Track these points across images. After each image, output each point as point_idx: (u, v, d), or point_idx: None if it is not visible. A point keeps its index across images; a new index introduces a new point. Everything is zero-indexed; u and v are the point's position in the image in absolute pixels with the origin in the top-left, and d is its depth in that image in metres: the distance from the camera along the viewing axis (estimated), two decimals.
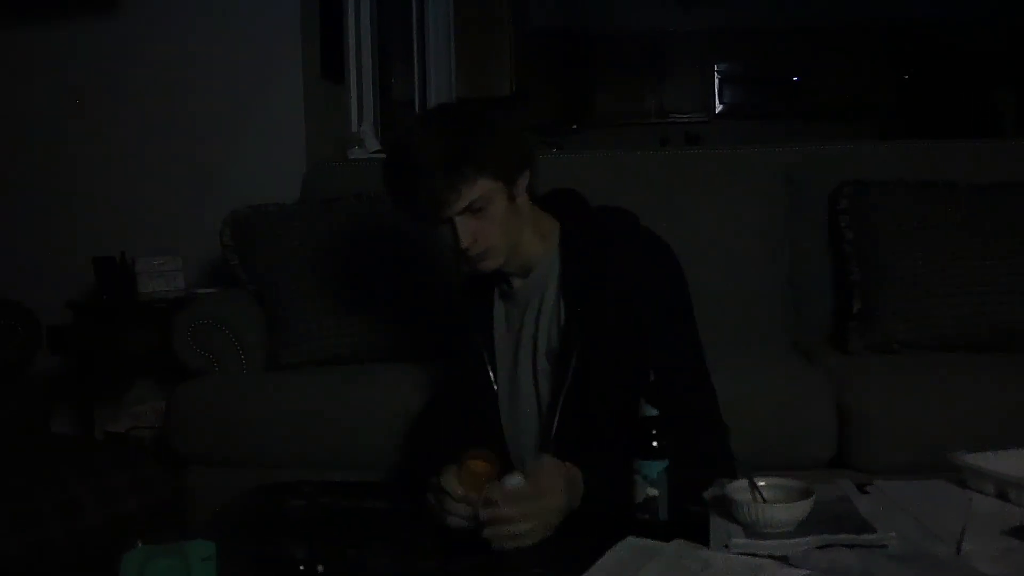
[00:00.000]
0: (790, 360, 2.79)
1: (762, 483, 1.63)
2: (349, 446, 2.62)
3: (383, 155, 2.01)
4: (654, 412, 1.62)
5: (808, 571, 1.44)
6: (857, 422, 2.44)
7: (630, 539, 1.58)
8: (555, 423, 1.96)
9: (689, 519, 1.63)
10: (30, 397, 2.82)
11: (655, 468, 1.61)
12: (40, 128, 3.87)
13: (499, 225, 1.91)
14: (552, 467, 1.72)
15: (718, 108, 8.78)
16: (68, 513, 2.06)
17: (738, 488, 1.63)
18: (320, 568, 1.49)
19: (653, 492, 1.61)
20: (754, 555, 1.51)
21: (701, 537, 1.57)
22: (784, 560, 1.48)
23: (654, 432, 1.62)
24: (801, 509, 1.56)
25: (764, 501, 1.59)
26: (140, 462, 2.20)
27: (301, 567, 1.50)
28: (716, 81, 8.76)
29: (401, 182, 1.91)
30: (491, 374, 2.07)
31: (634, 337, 1.88)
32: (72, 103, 3.83)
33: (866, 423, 2.43)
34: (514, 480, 1.68)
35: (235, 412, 2.71)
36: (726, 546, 1.53)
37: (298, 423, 2.66)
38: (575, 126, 8.24)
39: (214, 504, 2.50)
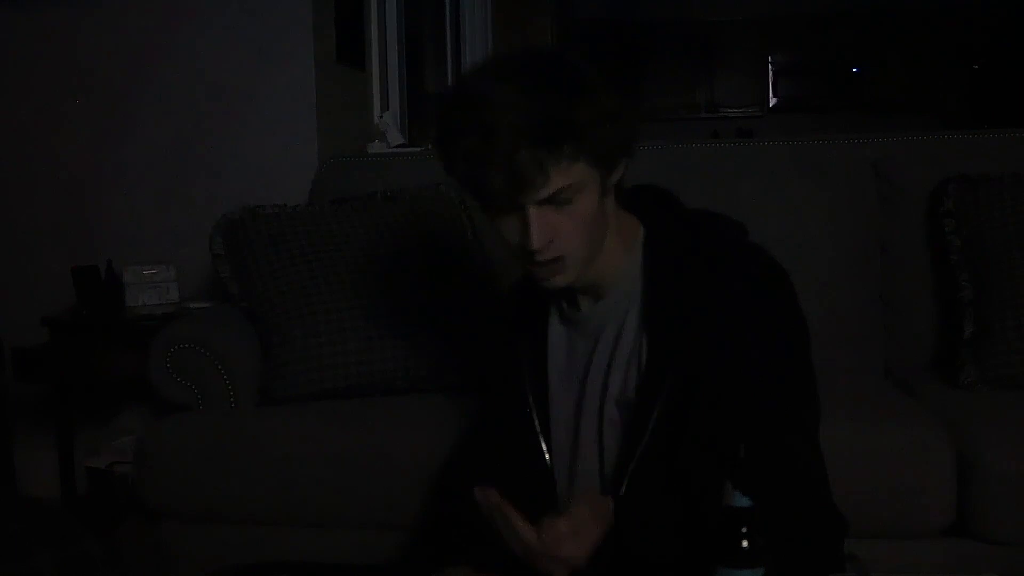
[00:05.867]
0: (891, 397, 2.34)
1: None
2: (357, 501, 2.20)
3: (446, 97, 1.48)
4: (745, 502, 1.16)
5: None
6: (981, 480, 1.97)
7: None
8: (622, 492, 1.49)
9: None
10: None
11: None
12: (8, 120, 3.45)
13: (585, 226, 1.43)
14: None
15: (772, 102, 8.55)
16: None
17: None
18: None
19: None
20: None
21: None
22: None
23: (745, 530, 1.16)
24: None
25: None
26: (71, 536, 1.74)
27: None
28: (770, 73, 8.53)
29: (465, 146, 1.40)
30: (536, 422, 1.60)
31: (738, 389, 1.42)
32: (46, 91, 3.41)
33: (993, 481, 1.96)
34: None
35: (219, 458, 2.27)
36: None
37: (295, 472, 2.23)
38: None
39: (192, 570, 2.16)
